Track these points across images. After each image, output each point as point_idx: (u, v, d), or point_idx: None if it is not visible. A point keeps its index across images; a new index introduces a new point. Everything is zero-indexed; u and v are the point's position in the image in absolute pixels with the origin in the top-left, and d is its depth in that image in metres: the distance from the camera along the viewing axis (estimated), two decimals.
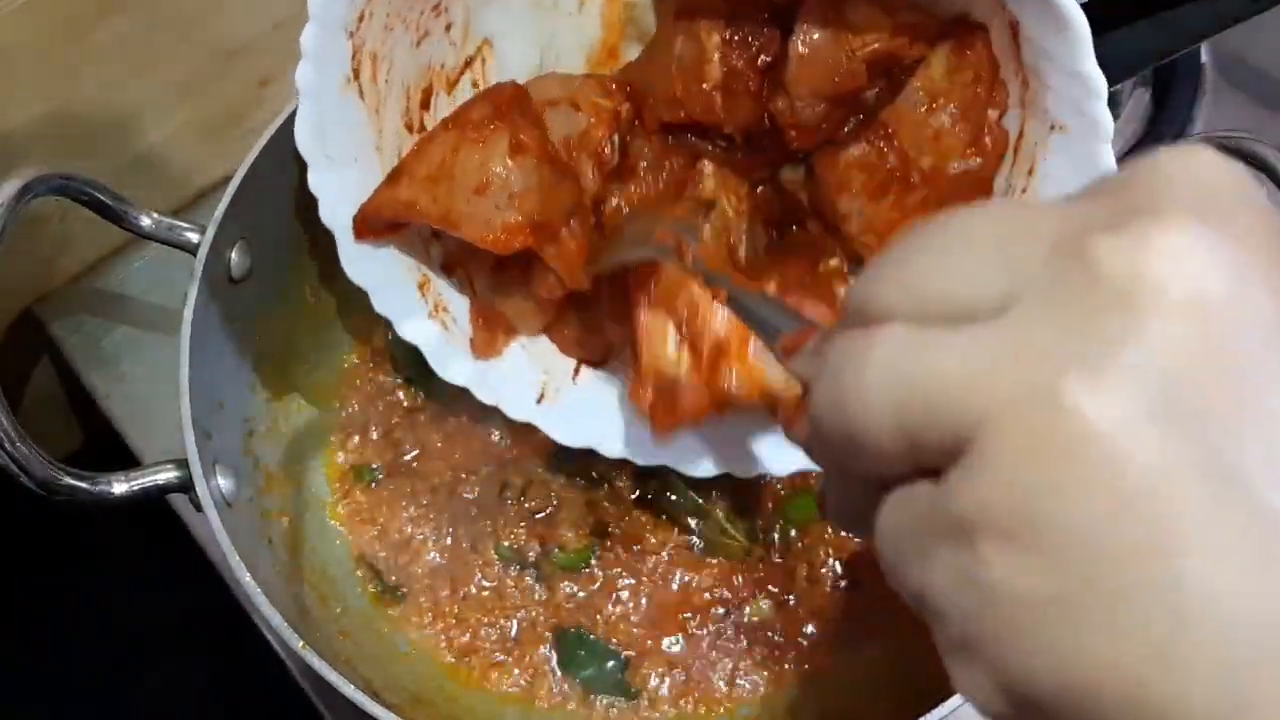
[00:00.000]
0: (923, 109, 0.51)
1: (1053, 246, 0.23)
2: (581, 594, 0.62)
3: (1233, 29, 0.53)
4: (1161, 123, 0.77)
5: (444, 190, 0.50)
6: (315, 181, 0.50)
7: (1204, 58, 0.76)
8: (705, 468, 0.55)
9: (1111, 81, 0.45)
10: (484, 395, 0.56)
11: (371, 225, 0.52)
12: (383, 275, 0.54)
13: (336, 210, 0.51)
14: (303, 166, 0.59)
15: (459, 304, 0.57)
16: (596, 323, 0.57)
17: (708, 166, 0.54)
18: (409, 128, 0.53)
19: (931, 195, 0.53)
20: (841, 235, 0.55)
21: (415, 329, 0.55)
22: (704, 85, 0.52)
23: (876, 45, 0.50)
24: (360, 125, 0.51)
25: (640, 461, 0.56)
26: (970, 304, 0.23)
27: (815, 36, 0.50)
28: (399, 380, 0.65)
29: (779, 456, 0.54)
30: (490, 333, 0.56)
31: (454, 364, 0.56)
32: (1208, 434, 0.21)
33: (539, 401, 0.57)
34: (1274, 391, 0.21)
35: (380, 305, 0.54)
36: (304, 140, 0.49)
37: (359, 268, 0.53)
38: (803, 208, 0.56)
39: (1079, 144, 0.46)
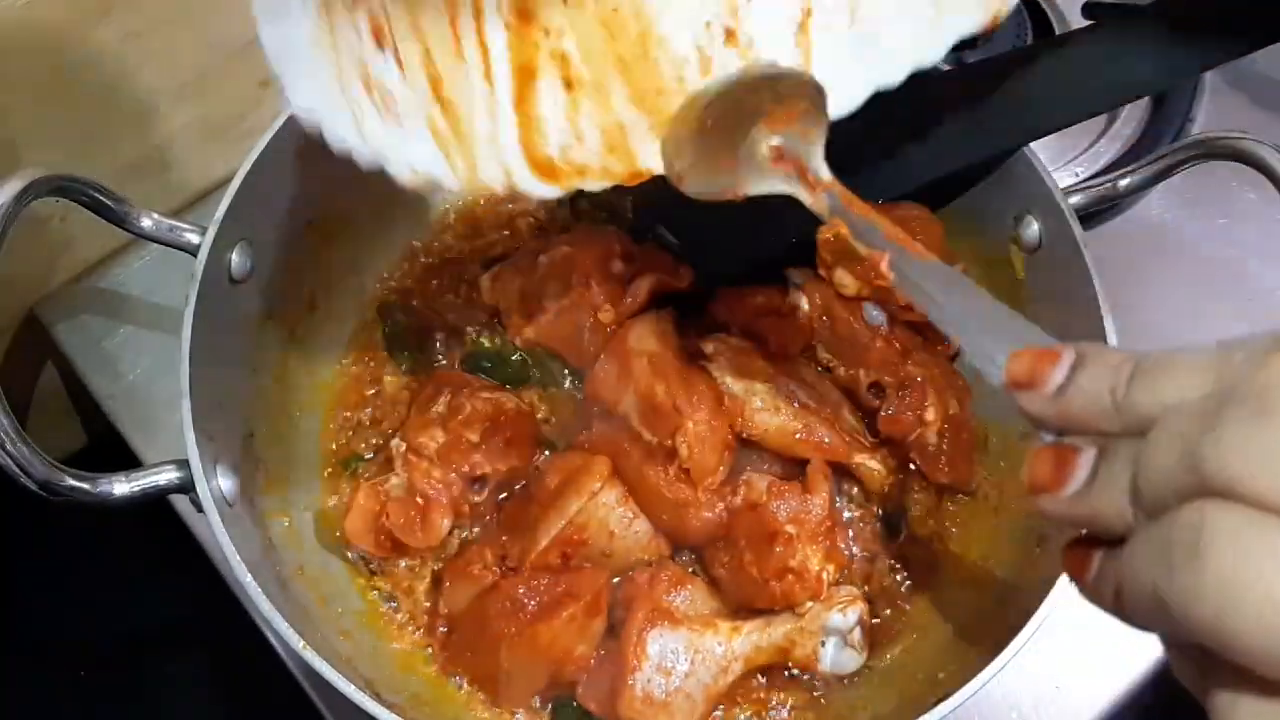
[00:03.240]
0: None
1: None
2: None
3: None
4: (1161, 122, 0.77)
5: None
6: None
7: None
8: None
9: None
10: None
11: None
12: (325, 90, 0.50)
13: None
14: (303, 166, 0.59)
15: (401, 90, 0.51)
16: None
17: None
18: None
19: None
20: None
21: (361, 136, 0.50)
22: None
23: None
24: None
25: None
26: None
27: None
28: (398, 380, 0.65)
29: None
30: None
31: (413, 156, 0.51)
32: None
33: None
34: None
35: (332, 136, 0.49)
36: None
37: (304, 96, 0.50)
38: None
39: None
